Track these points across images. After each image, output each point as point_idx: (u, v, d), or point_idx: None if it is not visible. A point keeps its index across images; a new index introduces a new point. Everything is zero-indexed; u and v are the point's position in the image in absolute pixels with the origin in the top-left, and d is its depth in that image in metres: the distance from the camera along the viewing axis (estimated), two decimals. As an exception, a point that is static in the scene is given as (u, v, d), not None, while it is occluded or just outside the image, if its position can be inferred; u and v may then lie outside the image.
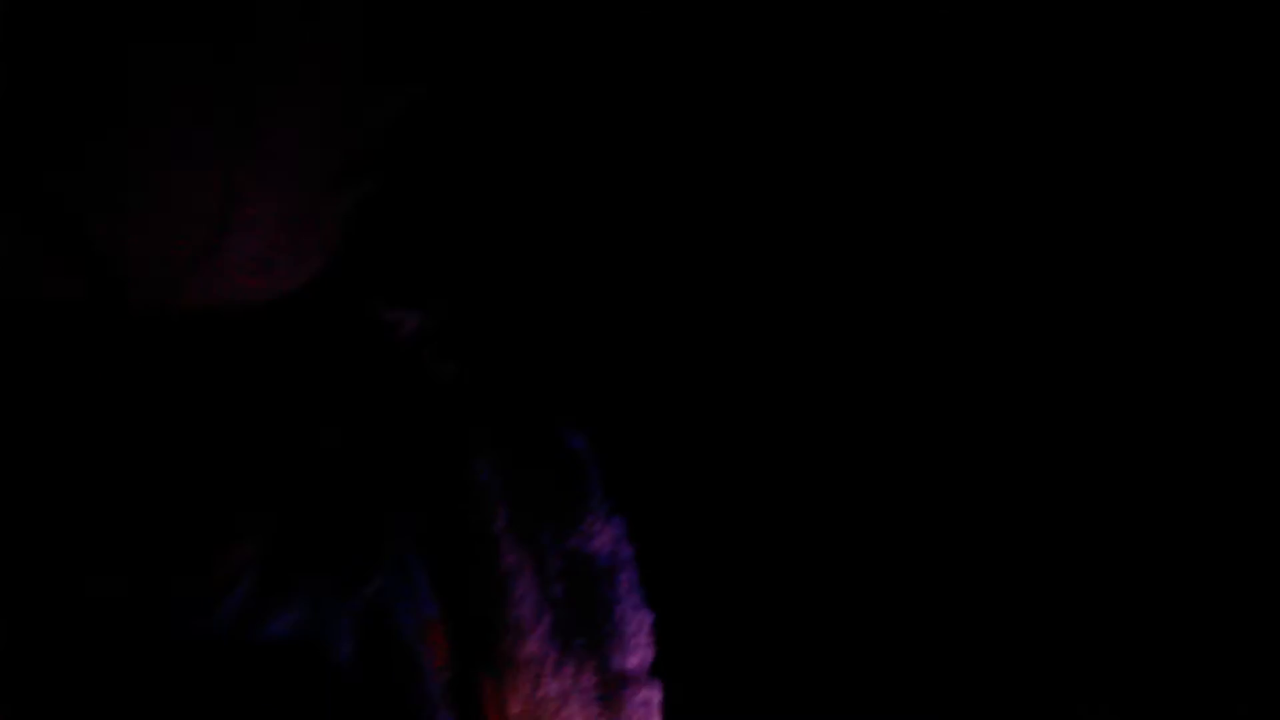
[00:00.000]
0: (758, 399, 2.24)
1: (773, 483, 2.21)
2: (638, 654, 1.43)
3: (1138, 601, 2.31)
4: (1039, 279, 2.37)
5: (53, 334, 0.99)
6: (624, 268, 2.14)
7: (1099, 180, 2.37)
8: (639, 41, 2.13)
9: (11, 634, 1.13)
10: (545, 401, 1.34)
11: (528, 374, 1.33)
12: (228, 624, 1.02)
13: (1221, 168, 2.34)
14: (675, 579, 1.52)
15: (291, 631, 1.05)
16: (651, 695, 1.43)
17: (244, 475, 1.03)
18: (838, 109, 2.29)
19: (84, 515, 1.03)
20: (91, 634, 1.05)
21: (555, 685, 1.35)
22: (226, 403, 1.03)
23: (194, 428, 1.01)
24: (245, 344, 1.04)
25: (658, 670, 1.46)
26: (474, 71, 1.61)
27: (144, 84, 0.86)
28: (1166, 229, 2.36)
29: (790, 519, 2.21)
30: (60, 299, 0.96)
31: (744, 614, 2.13)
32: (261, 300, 1.03)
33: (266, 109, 0.91)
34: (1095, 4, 2.28)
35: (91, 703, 1.04)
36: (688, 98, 2.22)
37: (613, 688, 1.40)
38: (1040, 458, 2.36)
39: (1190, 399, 2.35)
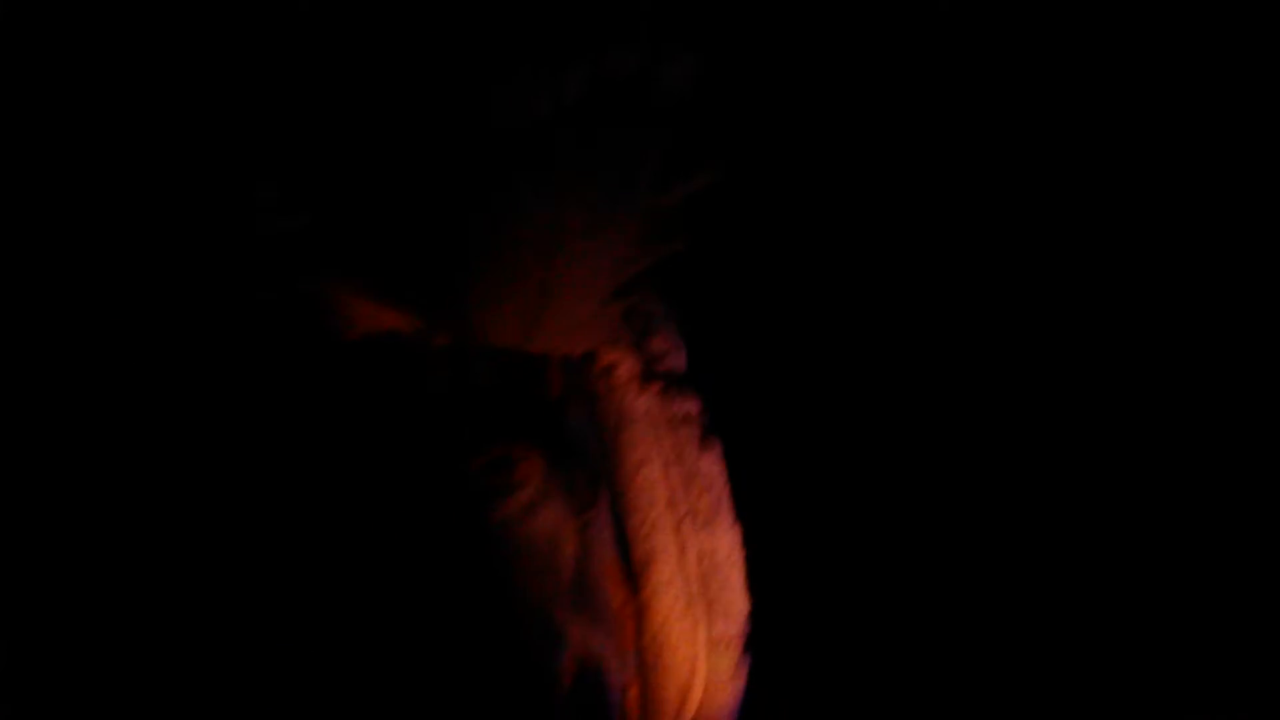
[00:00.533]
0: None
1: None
2: (736, 626, 1.92)
3: (1138, 601, 2.34)
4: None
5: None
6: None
7: (1099, 180, 2.45)
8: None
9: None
10: (703, 433, 1.88)
11: (697, 413, 1.89)
12: (516, 511, 1.59)
13: (1221, 168, 2.40)
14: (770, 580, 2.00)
15: (547, 527, 1.63)
16: (744, 659, 1.92)
17: (538, 426, 1.64)
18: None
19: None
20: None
21: (676, 628, 1.83)
22: (534, 389, 1.67)
23: (522, 396, 1.64)
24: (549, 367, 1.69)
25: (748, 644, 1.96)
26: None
27: (502, 262, 1.49)
28: (1166, 229, 2.43)
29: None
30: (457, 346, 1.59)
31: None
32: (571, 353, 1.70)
33: (567, 271, 1.50)
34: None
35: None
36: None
37: (715, 643, 1.89)
38: (1042, 459, 2.42)
39: (1190, 399, 2.39)
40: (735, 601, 1.88)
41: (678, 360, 1.84)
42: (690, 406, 1.83)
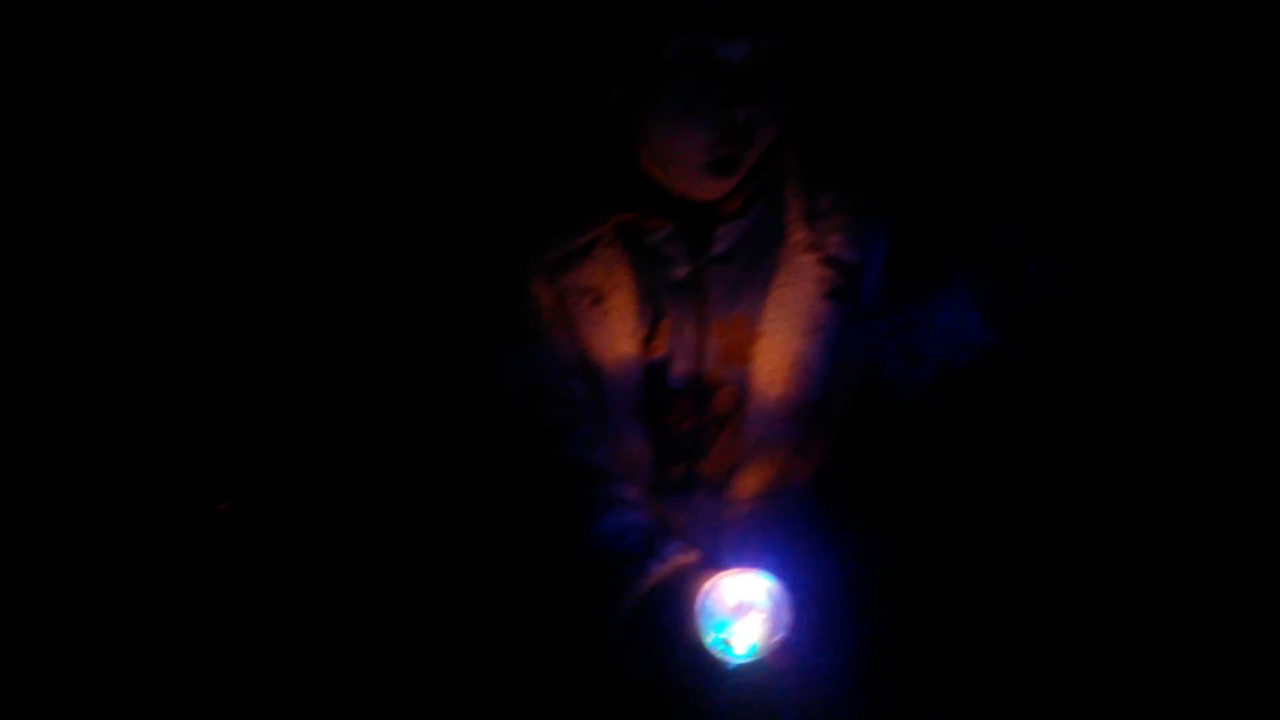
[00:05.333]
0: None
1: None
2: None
3: (1137, 601, 2.32)
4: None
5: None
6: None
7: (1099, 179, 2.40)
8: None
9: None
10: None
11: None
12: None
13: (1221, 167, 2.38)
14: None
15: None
16: None
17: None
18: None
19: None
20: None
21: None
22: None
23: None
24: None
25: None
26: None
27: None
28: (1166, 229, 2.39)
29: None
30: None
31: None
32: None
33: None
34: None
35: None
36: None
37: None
38: (1043, 459, 2.36)
39: (1190, 399, 2.36)
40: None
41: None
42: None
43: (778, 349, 1.90)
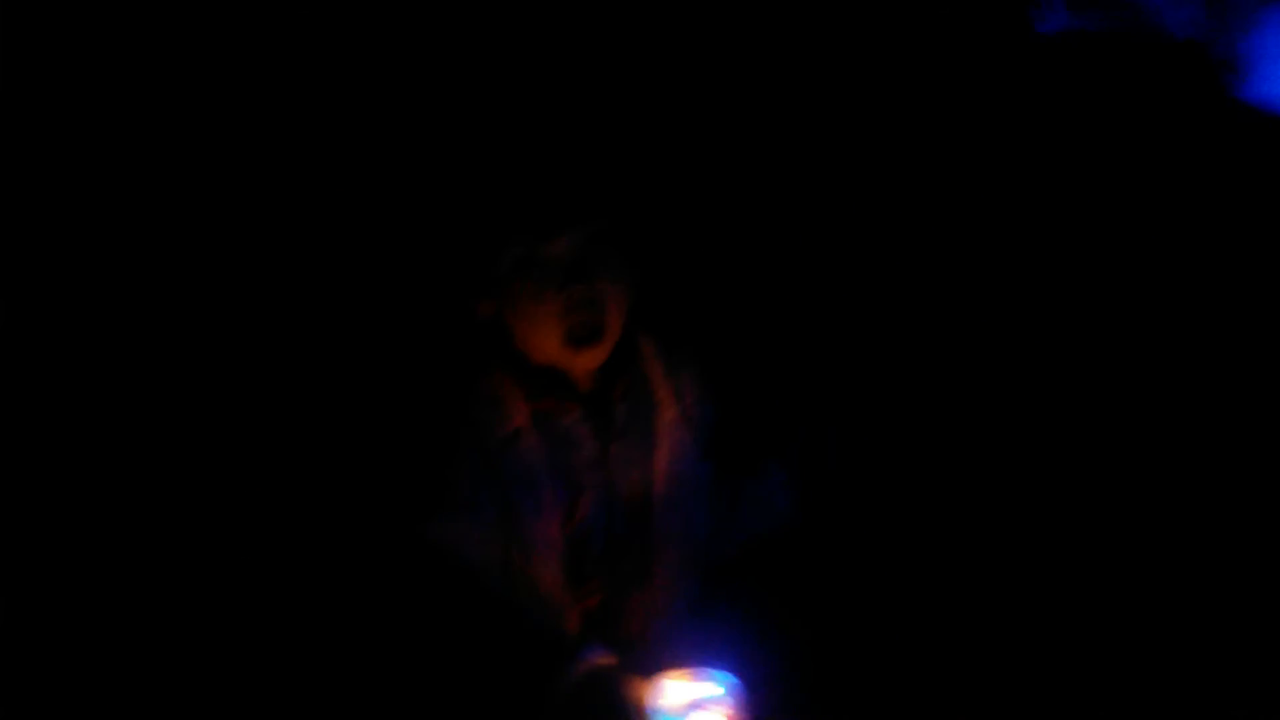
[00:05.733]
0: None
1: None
2: None
3: (1138, 602, 2.36)
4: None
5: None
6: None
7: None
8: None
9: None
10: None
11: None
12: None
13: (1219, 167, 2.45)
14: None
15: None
16: None
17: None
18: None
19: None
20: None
21: None
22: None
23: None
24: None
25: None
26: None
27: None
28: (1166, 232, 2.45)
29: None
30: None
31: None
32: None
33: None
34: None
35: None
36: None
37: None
38: (1042, 459, 2.44)
39: (1190, 400, 2.42)
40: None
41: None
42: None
43: (671, 510, 2.12)
